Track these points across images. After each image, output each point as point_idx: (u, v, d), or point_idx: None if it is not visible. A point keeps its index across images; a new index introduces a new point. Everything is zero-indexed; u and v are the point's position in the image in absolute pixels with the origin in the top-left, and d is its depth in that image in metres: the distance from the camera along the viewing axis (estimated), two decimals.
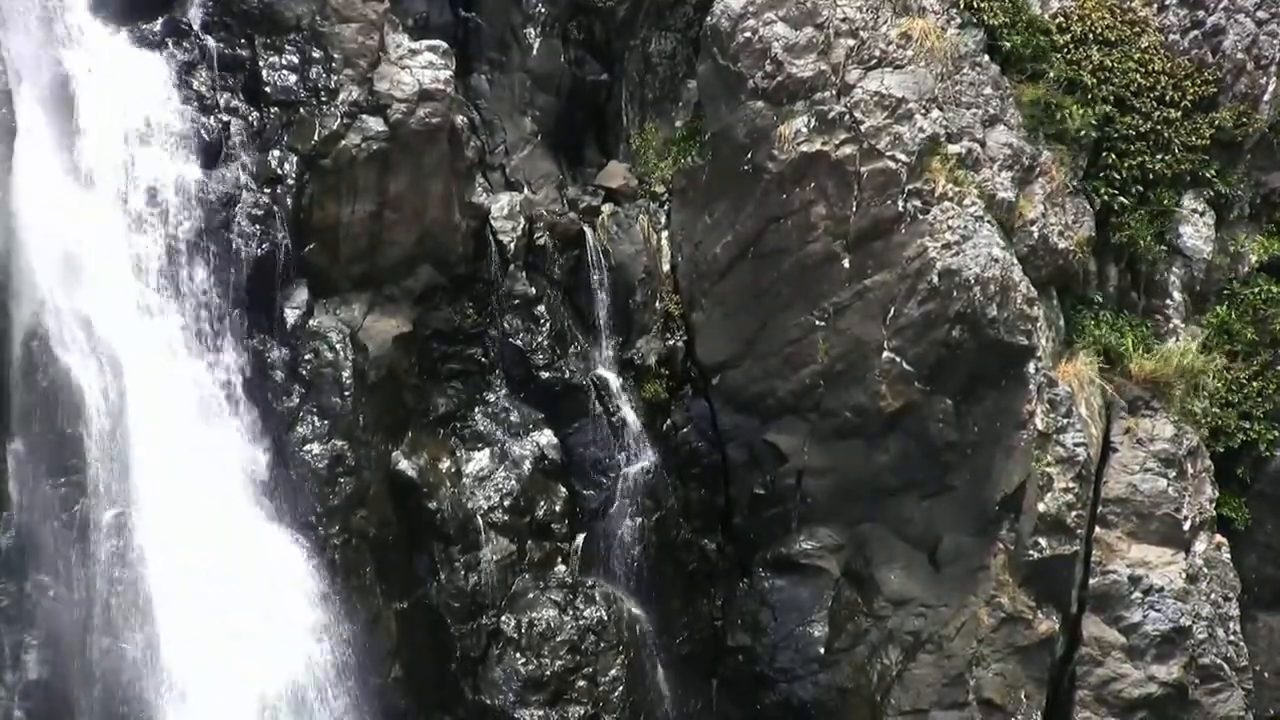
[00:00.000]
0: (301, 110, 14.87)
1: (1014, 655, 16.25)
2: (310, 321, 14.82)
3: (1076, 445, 16.10)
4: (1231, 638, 16.53)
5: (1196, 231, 17.68)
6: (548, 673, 15.36)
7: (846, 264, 16.03)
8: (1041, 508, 16.07)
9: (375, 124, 15.02)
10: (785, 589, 16.62)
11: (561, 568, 15.83)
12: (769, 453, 16.67)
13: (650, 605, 16.15)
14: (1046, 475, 16.05)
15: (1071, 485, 16.06)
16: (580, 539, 16.03)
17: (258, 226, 14.46)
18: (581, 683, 15.45)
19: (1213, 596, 16.51)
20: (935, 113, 16.16)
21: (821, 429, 16.49)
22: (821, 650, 16.42)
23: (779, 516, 16.73)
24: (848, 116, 15.95)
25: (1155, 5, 17.68)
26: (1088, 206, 17.17)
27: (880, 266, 15.99)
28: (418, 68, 15.34)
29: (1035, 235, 16.50)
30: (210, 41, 14.69)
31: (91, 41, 13.99)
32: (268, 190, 14.59)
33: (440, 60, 15.56)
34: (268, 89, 14.80)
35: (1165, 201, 17.44)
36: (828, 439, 16.45)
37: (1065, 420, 16.12)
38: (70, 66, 13.71)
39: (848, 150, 15.89)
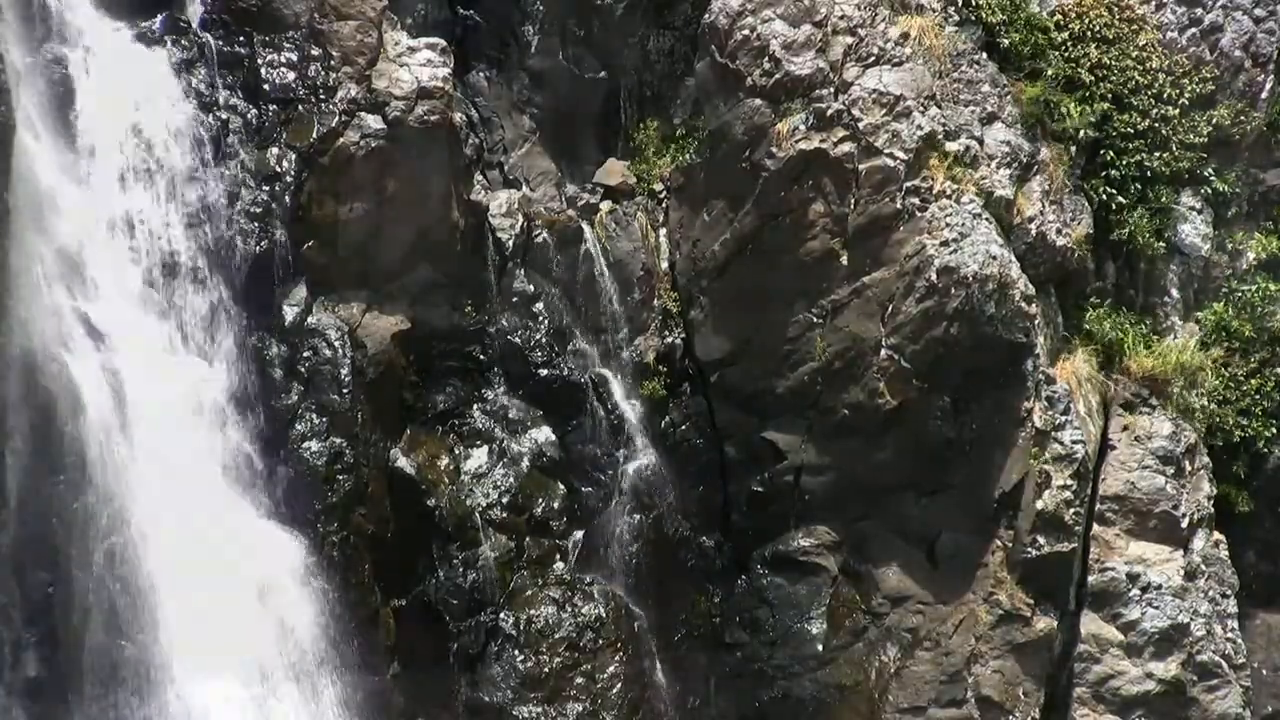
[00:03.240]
0: (300, 108, 14.88)
1: (1012, 653, 16.27)
2: (309, 319, 14.83)
3: (1074, 443, 16.12)
4: (1229, 635, 16.57)
5: (1194, 229, 17.71)
6: (546, 670, 15.37)
7: (844, 261, 16.05)
8: (1040, 505, 16.10)
9: (374, 122, 15.04)
10: (783, 586, 16.62)
11: (560, 565, 15.84)
12: (767, 450, 16.68)
13: (648, 602, 16.16)
14: (1044, 473, 16.07)
15: (1069, 483, 16.08)
16: (579, 536, 16.04)
17: (256, 224, 14.49)
18: (580, 680, 15.45)
19: (1211, 594, 16.54)
20: (933, 110, 16.18)
21: (820, 426, 16.50)
22: (819, 647, 16.44)
23: (777, 514, 16.74)
24: (846, 114, 15.95)
25: (1153, 3, 17.70)
26: (1086, 204, 17.18)
27: (878, 264, 16.00)
28: (416, 65, 15.36)
29: (1033, 233, 16.52)
30: (209, 39, 14.71)
31: (91, 38, 14.01)
32: (266, 188, 14.61)
33: (439, 58, 15.58)
34: (266, 86, 14.81)
35: (1163, 199, 17.46)
36: (826, 436, 16.46)
37: (1063, 417, 16.15)
38: (69, 63, 13.74)
39: (846, 148, 15.90)
